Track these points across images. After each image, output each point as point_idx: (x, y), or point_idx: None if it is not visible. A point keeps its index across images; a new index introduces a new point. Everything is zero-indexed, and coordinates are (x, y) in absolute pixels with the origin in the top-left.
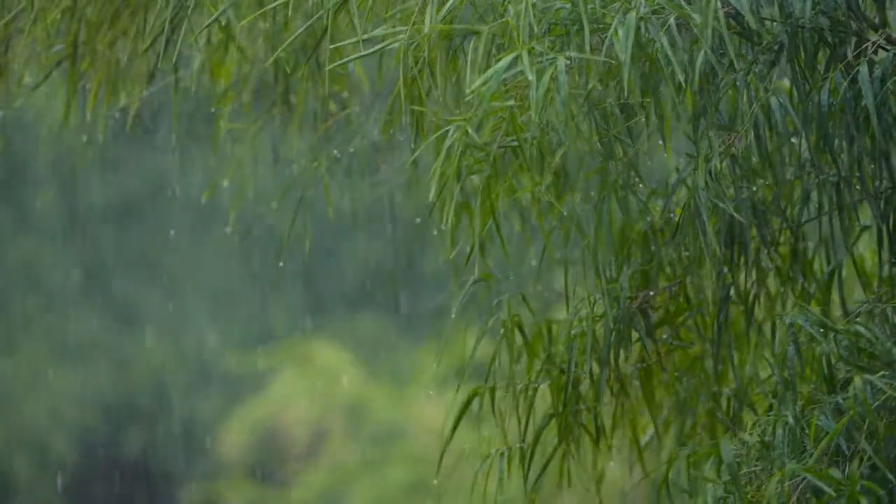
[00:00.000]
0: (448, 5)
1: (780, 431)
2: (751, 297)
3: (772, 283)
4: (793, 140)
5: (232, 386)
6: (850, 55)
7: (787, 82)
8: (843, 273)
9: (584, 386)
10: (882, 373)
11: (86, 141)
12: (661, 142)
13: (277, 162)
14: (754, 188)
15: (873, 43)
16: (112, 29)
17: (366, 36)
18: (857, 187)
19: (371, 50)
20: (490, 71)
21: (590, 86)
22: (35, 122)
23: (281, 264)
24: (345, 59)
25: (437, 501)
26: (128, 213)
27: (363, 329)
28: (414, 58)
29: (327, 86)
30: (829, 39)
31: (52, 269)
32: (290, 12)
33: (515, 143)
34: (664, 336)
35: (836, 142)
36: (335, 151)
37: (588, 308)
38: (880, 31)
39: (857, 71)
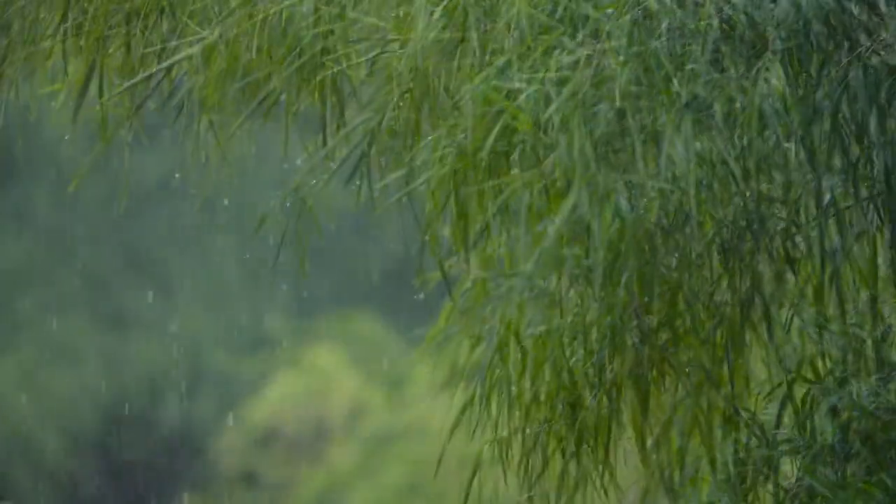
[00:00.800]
0: (439, 11)
1: (777, 432)
2: (747, 300)
3: (768, 285)
4: (786, 144)
5: (229, 388)
6: (844, 59)
7: (781, 86)
8: (840, 275)
9: (582, 390)
10: (879, 374)
11: (82, 140)
12: (656, 146)
13: (268, 160)
14: (749, 192)
15: (868, 47)
16: (106, 25)
17: (361, 40)
18: (853, 191)
19: (366, 55)
20: (482, 75)
21: (583, 90)
22: (31, 122)
23: (285, 276)
24: (339, 65)
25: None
26: (124, 212)
27: (361, 331)
28: (408, 65)
29: (323, 89)
30: (824, 43)
31: (49, 268)
32: (284, 19)
33: (507, 148)
34: (661, 340)
35: (832, 145)
36: (332, 160)
37: (583, 313)
38: (875, 34)
39: (852, 75)
